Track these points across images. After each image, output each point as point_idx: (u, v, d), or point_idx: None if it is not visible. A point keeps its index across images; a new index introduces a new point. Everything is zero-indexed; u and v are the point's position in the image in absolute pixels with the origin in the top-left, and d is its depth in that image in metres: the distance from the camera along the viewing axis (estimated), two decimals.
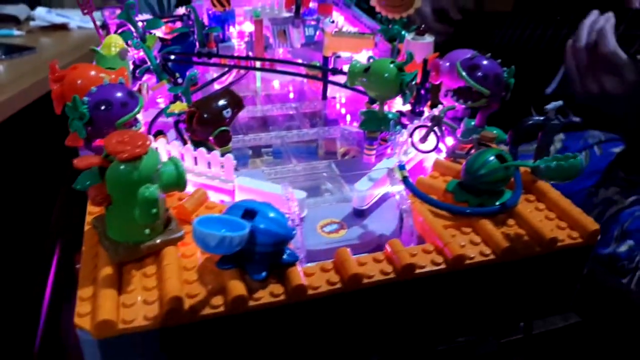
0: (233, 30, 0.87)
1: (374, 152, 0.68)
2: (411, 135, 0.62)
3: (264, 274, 0.42)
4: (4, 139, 1.31)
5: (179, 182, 0.44)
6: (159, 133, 0.63)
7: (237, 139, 0.74)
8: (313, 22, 0.88)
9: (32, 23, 1.65)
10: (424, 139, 0.62)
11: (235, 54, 0.87)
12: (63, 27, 1.63)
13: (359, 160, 0.69)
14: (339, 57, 0.84)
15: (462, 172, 0.52)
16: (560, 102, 0.55)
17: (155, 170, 0.42)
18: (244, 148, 0.76)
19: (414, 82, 0.64)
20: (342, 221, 0.56)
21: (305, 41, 0.87)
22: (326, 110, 0.86)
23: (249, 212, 0.41)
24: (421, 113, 0.71)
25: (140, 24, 0.77)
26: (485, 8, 1.44)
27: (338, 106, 0.87)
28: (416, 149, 0.63)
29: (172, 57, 0.81)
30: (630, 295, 0.84)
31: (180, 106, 0.59)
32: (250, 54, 0.87)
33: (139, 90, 0.71)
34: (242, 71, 0.86)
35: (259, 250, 0.41)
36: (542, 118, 0.54)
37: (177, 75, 0.75)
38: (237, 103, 0.62)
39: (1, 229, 1.24)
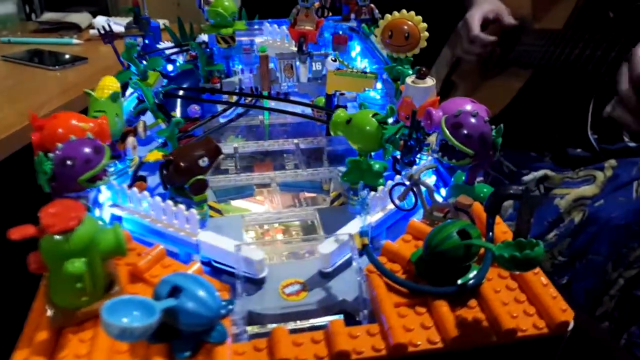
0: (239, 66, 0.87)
1: (357, 201, 0.66)
2: (390, 192, 0.60)
3: (187, 353, 0.41)
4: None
5: (118, 250, 0.45)
6: (141, 179, 0.64)
7: (229, 177, 0.74)
8: (322, 56, 0.86)
9: (91, 31, 1.70)
10: (402, 198, 0.59)
11: (242, 88, 0.87)
12: (119, 36, 1.70)
13: (345, 209, 0.67)
14: (342, 94, 0.82)
15: (423, 245, 0.49)
16: (542, 172, 0.51)
17: (89, 241, 0.42)
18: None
19: (397, 136, 0.61)
20: (306, 282, 0.55)
21: (312, 76, 0.86)
22: (330, 147, 0.84)
23: (175, 289, 0.41)
24: (412, 163, 0.67)
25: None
26: (536, 25, 1.36)
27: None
28: (396, 206, 0.60)
29: (181, 92, 0.83)
30: None
31: (155, 155, 0.60)
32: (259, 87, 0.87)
33: (135, 129, 0.73)
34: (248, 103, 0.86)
35: (182, 329, 0.41)
36: (520, 188, 0.50)
37: (173, 114, 0.76)
38: (214, 152, 0.62)
39: None
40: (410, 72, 0.80)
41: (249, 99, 0.88)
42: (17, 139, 1.24)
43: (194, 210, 0.55)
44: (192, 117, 0.79)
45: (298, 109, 0.87)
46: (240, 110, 0.86)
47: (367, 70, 0.79)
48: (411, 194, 0.58)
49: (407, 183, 0.58)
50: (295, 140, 0.84)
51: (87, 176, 0.51)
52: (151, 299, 0.39)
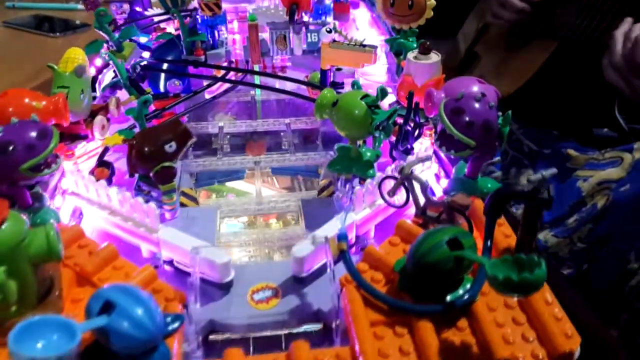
0: (227, 35, 0.79)
1: (348, 192, 0.59)
2: (379, 186, 0.53)
3: None
4: None
5: (50, 254, 0.39)
6: (104, 164, 0.58)
7: (210, 160, 0.68)
8: (319, 26, 0.78)
9: None
10: (392, 193, 0.52)
11: (233, 60, 0.80)
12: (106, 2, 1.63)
13: (332, 202, 0.60)
14: (339, 69, 0.75)
15: (407, 254, 0.42)
16: (554, 170, 0.43)
17: (12, 246, 0.37)
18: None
19: (390, 122, 0.54)
20: (279, 286, 0.49)
21: (308, 48, 0.78)
22: (325, 127, 0.77)
23: (109, 305, 0.35)
24: (409, 151, 0.60)
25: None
26: None
27: None
28: (387, 202, 0.53)
29: (165, 66, 0.76)
30: None
31: (115, 139, 0.53)
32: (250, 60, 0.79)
33: (107, 105, 0.66)
34: (237, 78, 0.79)
35: (116, 351, 0.35)
36: (527, 189, 0.42)
37: (149, 90, 0.69)
38: (184, 136, 0.55)
39: None
40: (415, 45, 0.72)
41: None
42: None
43: (152, 205, 0.49)
44: (173, 94, 0.72)
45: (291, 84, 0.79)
46: (228, 85, 0.79)
47: (366, 42, 0.70)
48: (403, 189, 0.51)
49: (398, 177, 0.51)
50: (287, 120, 0.76)
51: (29, 165, 0.45)
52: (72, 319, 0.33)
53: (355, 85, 0.59)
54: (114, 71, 0.72)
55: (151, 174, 0.54)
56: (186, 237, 0.49)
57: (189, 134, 0.56)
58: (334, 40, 0.70)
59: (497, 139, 0.50)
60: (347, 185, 0.58)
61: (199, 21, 0.75)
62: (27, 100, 0.53)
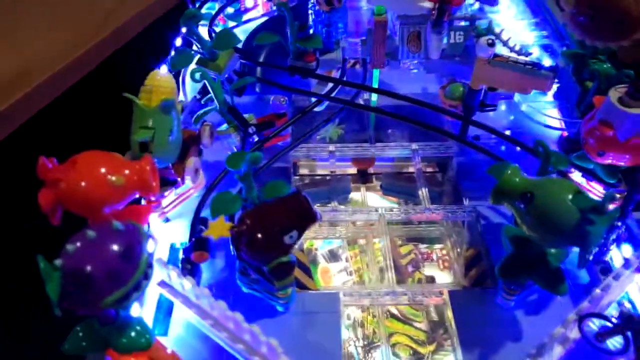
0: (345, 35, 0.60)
1: (513, 297, 0.44)
2: (580, 323, 0.37)
3: None
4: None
5: None
6: (200, 245, 0.44)
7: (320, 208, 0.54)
8: (466, 22, 0.59)
9: None
10: (604, 338, 0.37)
11: (346, 59, 0.63)
12: None
13: (491, 297, 0.46)
14: (493, 89, 0.56)
15: None
16: None
17: None
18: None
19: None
20: None
21: (449, 51, 0.59)
22: (461, 157, 0.60)
23: None
24: (604, 252, 0.43)
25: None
26: None
27: None
28: (593, 346, 0.38)
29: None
30: None
31: (220, 229, 0.39)
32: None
33: (199, 134, 0.52)
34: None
35: None
36: None
37: (251, 117, 0.54)
38: (306, 219, 0.41)
39: None
40: (606, 66, 0.51)
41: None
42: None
43: (274, 342, 0.36)
44: (277, 113, 0.57)
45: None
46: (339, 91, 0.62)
47: (530, 54, 0.51)
48: (621, 336, 0.36)
49: (616, 323, 0.35)
50: (414, 146, 0.60)
51: (114, 298, 0.33)
52: None
53: (539, 146, 0.42)
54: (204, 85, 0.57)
55: (265, 269, 0.41)
56: None
57: (312, 216, 0.41)
58: (495, 55, 0.52)
59: None
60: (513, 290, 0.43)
61: (313, 17, 0.57)
62: (102, 170, 0.39)
